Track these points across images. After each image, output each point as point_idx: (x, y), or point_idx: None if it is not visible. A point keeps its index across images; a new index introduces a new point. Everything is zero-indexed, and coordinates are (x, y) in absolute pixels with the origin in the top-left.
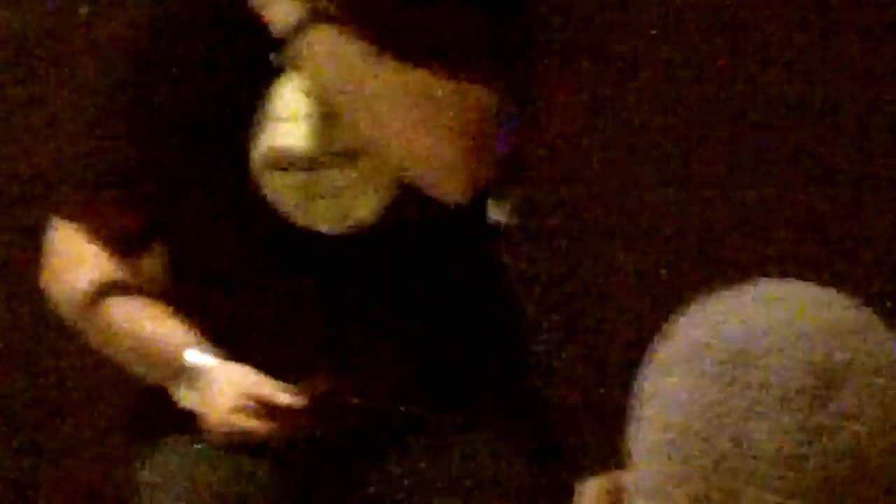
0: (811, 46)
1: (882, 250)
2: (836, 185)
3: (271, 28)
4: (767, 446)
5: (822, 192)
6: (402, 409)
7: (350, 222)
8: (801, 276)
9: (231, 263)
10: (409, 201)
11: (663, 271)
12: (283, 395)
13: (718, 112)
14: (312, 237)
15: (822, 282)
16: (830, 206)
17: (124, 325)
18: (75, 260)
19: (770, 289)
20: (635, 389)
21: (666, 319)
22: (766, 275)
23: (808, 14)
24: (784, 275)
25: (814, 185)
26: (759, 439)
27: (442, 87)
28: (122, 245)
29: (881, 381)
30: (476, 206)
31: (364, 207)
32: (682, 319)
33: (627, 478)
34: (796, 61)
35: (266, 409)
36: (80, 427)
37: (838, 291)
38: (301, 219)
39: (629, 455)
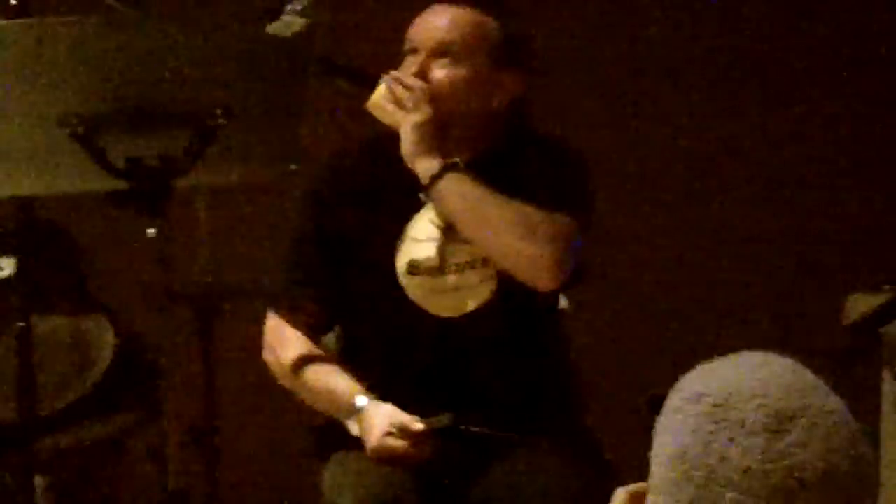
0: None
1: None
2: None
3: (419, 175)
4: (742, 465)
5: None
6: (495, 434)
7: (465, 307)
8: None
9: (382, 338)
10: (505, 293)
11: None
12: (417, 424)
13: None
14: (435, 321)
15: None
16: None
17: (316, 383)
18: (283, 340)
19: (748, 357)
20: (656, 425)
21: (677, 376)
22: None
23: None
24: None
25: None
26: (736, 460)
27: (537, 215)
28: (311, 330)
29: (821, 423)
30: (550, 297)
31: (474, 300)
32: (686, 377)
33: (648, 486)
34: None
35: (405, 434)
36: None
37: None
38: (429, 306)
39: (651, 470)
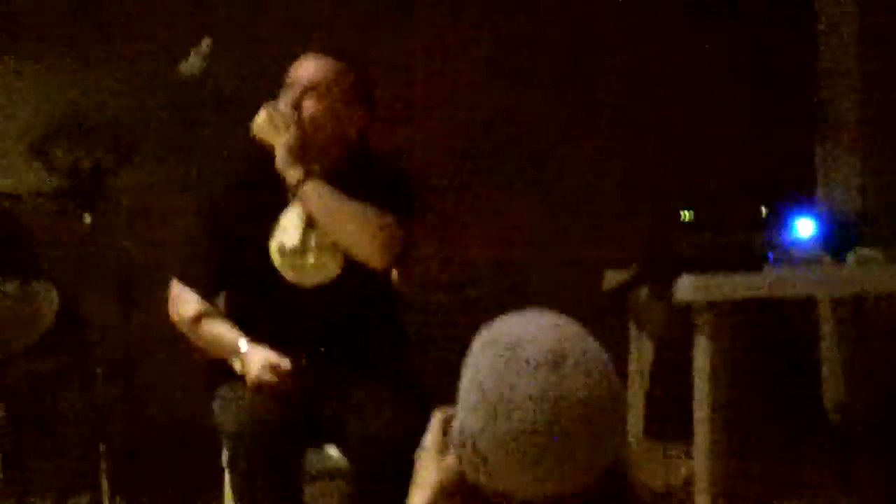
0: None
1: None
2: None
3: (287, 180)
4: (526, 392)
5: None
6: (342, 372)
7: (320, 279)
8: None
9: (259, 302)
10: (349, 269)
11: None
12: (284, 361)
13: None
14: (296, 289)
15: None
16: None
17: (208, 332)
18: (184, 300)
19: (532, 313)
20: (463, 364)
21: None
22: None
23: None
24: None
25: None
26: (522, 388)
27: (370, 213)
28: (205, 293)
29: (584, 361)
30: (385, 273)
31: (327, 272)
32: (483, 328)
33: (457, 408)
34: None
35: (275, 370)
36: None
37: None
38: (294, 278)
39: (458, 396)
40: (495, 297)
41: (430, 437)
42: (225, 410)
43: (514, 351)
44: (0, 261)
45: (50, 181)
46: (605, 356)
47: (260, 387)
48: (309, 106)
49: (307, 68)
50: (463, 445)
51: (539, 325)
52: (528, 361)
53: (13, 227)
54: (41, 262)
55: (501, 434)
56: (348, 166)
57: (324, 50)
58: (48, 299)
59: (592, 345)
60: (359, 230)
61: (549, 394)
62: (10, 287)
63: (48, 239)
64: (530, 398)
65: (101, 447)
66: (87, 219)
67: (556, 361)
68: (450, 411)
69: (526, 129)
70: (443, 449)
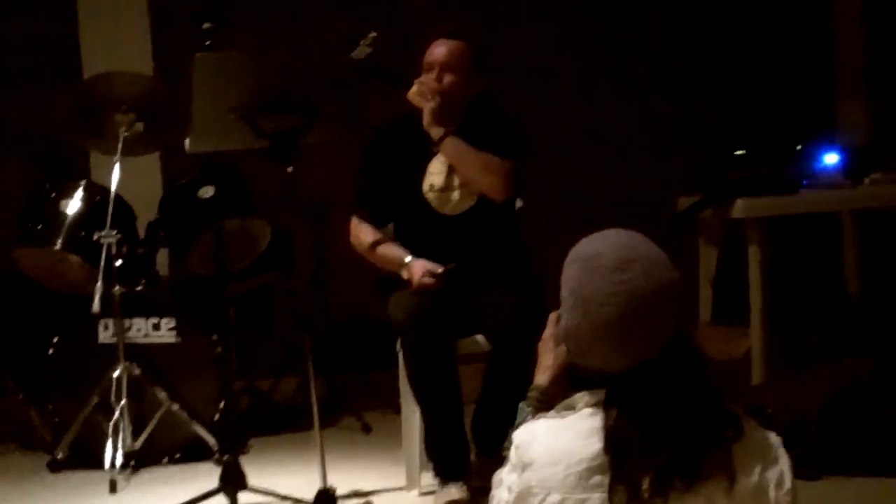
0: None
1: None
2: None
3: (432, 137)
4: (605, 292)
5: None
6: (478, 277)
7: (461, 209)
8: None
9: (417, 227)
10: (481, 201)
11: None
12: (438, 268)
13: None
14: (444, 217)
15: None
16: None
17: (382, 251)
18: (361, 231)
19: (606, 232)
20: (562, 275)
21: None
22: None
23: None
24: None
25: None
26: (602, 289)
27: (493, 160)
28: (376, 223)
29: (649, 264)
30: (508, 202)
31: (465, 205)
32: (574, 247)
33: (561, 309)
34: None
35: (432, 274)
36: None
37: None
38: (440, 209)
39: (561, 300)
40: (593, 217)
41: (548, 332)
42: (396, 308)
43: (593, 262)
44: (226, 204)
45: (258, 141)
46: (664, 257)
47: (421, 288)
48: (447, 79)
49: (441, 50)
50: (568, 338)
51: (609, 239)
52: (603, 269)
53: (234, 178)
54: (256, 204)
55: (593, 326)
56: (474, 121)
57: (449, 33)
58: (262, 231)
59: (653, 249)
60: (485, 173)
61: (621, 291)
62: (234, 224)
63: (260, 186)
64: (608, 296)
65: (306, 339)
66: (289, 169)
67: (624, 266)
68: (558, 312)
69: (612, 90)
70: (558, 341)
